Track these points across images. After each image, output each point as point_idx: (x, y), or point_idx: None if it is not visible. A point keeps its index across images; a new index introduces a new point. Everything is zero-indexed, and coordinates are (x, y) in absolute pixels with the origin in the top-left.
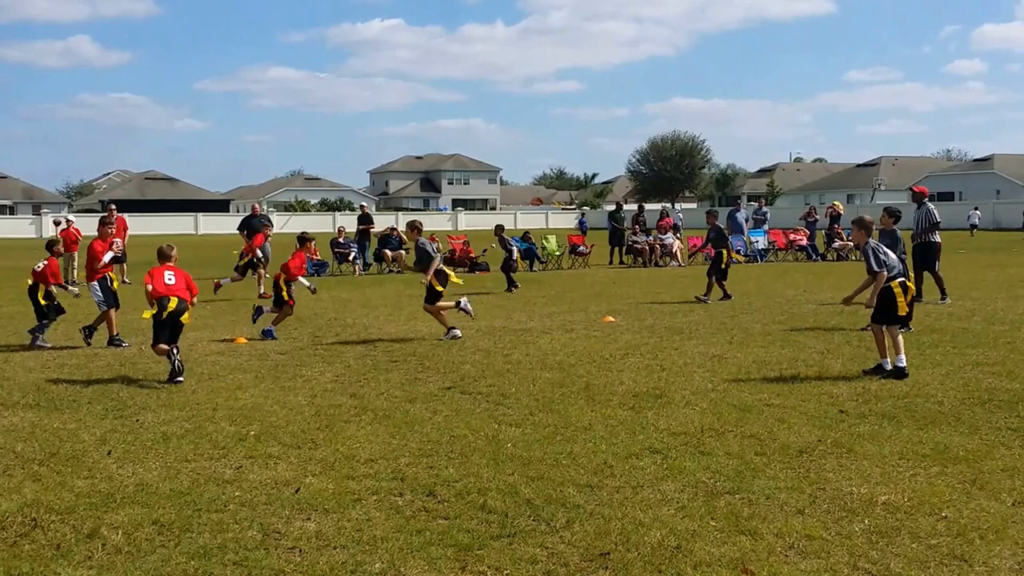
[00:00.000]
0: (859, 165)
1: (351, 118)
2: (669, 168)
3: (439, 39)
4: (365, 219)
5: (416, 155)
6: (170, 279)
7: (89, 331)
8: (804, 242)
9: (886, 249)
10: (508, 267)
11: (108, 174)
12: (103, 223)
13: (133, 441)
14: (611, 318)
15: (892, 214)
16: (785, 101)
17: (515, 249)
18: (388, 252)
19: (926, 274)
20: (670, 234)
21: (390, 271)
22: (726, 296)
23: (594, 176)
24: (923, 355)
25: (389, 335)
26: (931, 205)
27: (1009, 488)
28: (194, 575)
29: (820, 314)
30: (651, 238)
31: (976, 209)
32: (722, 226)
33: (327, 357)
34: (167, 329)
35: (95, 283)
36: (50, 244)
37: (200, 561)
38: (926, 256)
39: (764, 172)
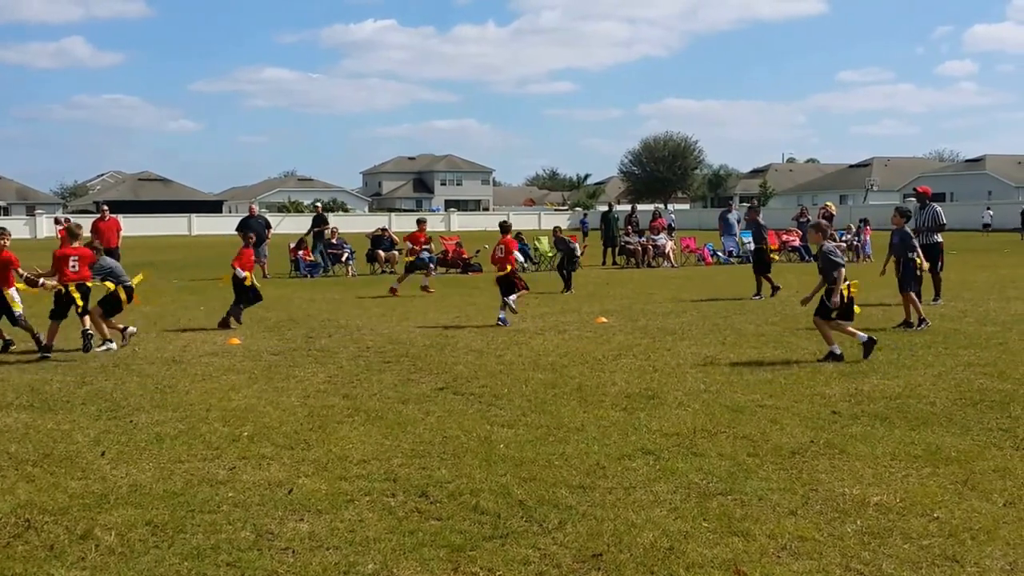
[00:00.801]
0: (852, 166)
1: (344, 119)
2: (662, 169)
3: (432, 40)
4: (319, 220)
5: (409, 156)
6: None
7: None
8: (796, 243)
9: (838, 252)
10: (564, 267)
11: (102, 175)
12: (72, 235)
13: (127, 442)
14: (604, 319)
15: (903, 214)
16: (778, 102)
17: (576, 247)
18: (381, 253)
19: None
20: (663, 235)
21: (383, 272)
22: (775, 289)
23: (587, 177)
24: (915, 356)
25: (382, 336)
26: (937, 206)
27: (1000, 489)
28: None
29: (812, 315)
30: (644, 239)
31: (988, 209)
32: (762, 222)
33: (320, 358)
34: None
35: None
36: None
37: (193, 562)
38: (930, 257)
39: (757, 173)
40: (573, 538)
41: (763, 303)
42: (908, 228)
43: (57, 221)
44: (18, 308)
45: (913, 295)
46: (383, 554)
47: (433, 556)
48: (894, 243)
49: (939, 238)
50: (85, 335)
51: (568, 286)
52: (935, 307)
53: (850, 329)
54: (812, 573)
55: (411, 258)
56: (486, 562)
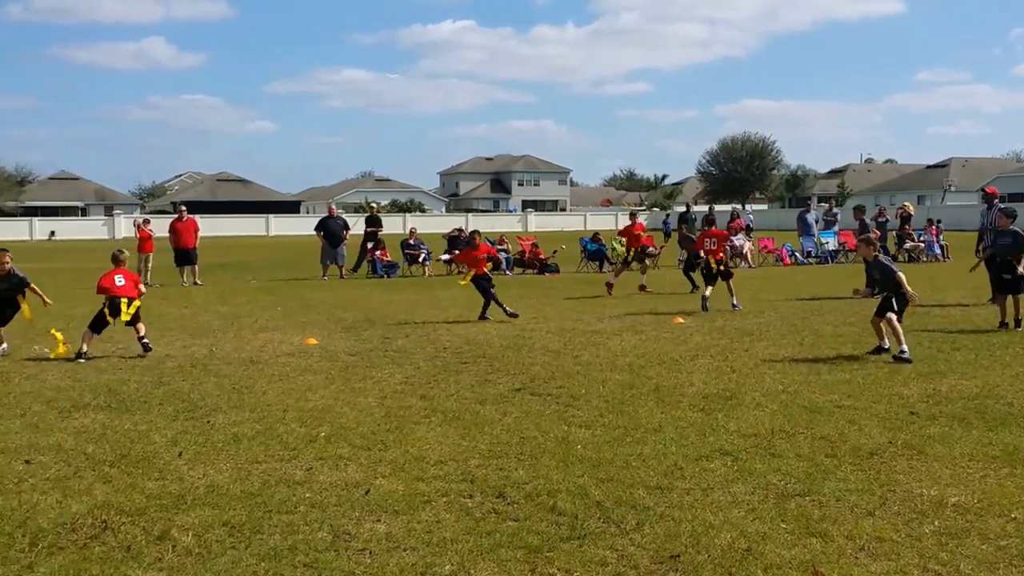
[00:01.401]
0: (929, 166)
1: (422, 119)
2: (739, 169)
3: (510, 40)
4: (373, 221)
5: (486, 156)
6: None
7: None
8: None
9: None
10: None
11: (180, 176)
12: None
13: (204, 442)
14: (681, 319)
15: (1009, 215)
16: (855, 102)
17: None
18: (457, 252)
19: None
20: (740, 235)
21: (459, 272)
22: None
23: (664, 177)
24: (993, 356)
25: (459, 337)
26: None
27: None
28: None
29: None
30: None
31: None
32: (867, 221)
33: (397, 359)
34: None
35: None
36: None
37: (270, 563)
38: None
39: (835, 173)
40: (651, 539)
41: (840, 304)
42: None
43: (136, 224)
44: None
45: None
46: (460, 555)
47: (510, 557)
48: (1004, 244)
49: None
50: (142, 341)
51: (694, 285)
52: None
53: (898, 328)
54: (890, 574)
55: (632, 251)
56: (563, 563)
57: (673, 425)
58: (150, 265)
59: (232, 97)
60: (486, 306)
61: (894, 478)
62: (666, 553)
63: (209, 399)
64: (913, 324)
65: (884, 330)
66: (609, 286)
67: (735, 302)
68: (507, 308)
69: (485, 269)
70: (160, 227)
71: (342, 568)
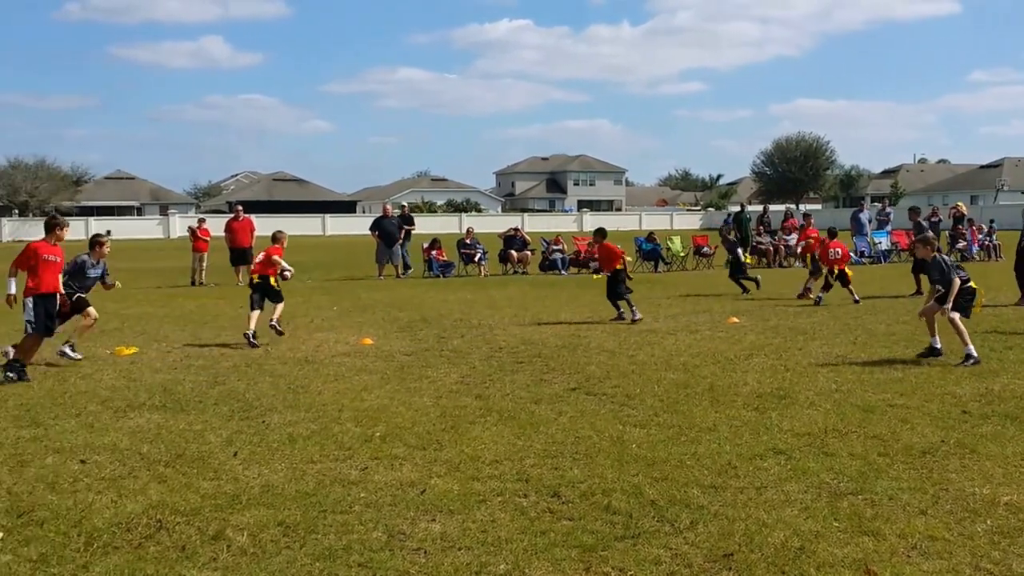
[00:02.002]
0: (982, 166)
1: (477, 119)
2: (793, 169)
3: (565, 40)
4: (406, 220)
5: (542, 156)
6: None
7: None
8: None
9: (949, 261)
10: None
11: (236, 175)
12: (59, 226)
13: (259, 442)
14: (735, 319)
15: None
16: (909, 102)
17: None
18: (513, 253)
19: None
20: (794, 235)
21: (515, 272)
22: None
23: (719, 177)
24: None
25: (514, 336)
26: None
27: None
28: None
29: (944, 315)
30: (776, 239)
31: None
32: (921, 221)
33: (452, 358)
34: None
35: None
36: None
37: (325, 563)
38: None
39: (888, 173)
40: (704, 538)
41: (893, 303)
42: None
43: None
44: None
45: None
46: (515, 554)
47: (565, 556)
48: None
49: None
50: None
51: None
52: None
53: (962, 329)
54: (942, 573)
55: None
56: (618, 562)
57: (727, 424)
58: (204, 264)
59: (288, 97)
60: (617, 305)
61: (946, 477)
62: (720, 552)
63: (264, 399)
64: (965, 323)
65: (936, 327)
66: (807, 292)
67: (856, 298)
68: (634, 311)
69: (618, 266)
70: (216, 227)
71: (397, 568)
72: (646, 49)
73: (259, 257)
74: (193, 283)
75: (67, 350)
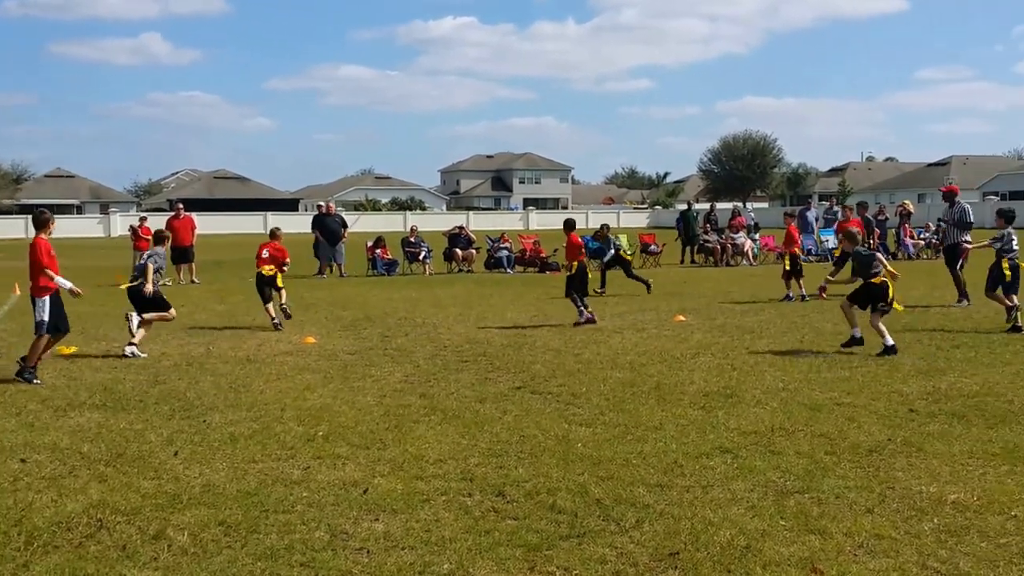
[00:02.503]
0: (930, 164)
1: (422, 116)
2: (741, 167)
3: (510, 37)
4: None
5: (487, 154)
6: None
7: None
8: (876, 241)
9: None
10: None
11: (176, 173)
12: (51, 221)
13: (200, 442)
14: (682, 317)
15: (1003, 215)
16: (857, 100)
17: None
18: (458, 251)
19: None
20: (742, 233)
21: (460, 270)
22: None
23: (666, 175)
24: (993, 354)
25: (459, 335)
26: (966, 204)
27: None
28: None
29: (892, 313)
30: (723, 237)
31: None
32: (869, 217)
33: (396, 357)
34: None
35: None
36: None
37: (267, 562)
38: (952, 256)
39: (835, 171)
40: (650, 537)
41: (840, 301)
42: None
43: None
44: None
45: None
46: (459, 554)
47: (509, 556)
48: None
49: (967, 237)
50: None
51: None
52: (963, 308)
53: (881, 327)
54: (889, 571)
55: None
56: (562, 561)
57: (674, 423)
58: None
59: (230, 94)
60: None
61: (893, 475)
62: (665, 550)
63: (205, 398)
64: (913, 322)
65: (854, 318)
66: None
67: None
68: (586, 309)
69: (582, 259)
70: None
71: (339, 567)
72: (592, 46)
73: (264, 254)
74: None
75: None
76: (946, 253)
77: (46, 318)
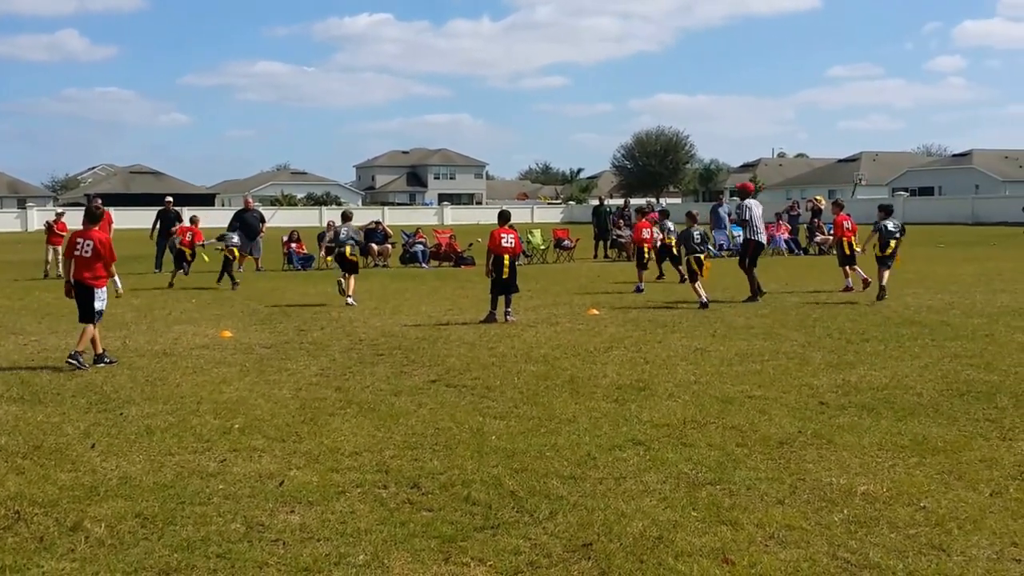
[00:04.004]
0: (840, 160)
1: (337, 113)
2: (654, 163)
3: (425, 34)
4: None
5: (403, 150)
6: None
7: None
8: (786, 236)
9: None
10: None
11: (93, 168)
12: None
13: (117, 435)
14: (595, 311)
15: (883, 209)
16: (768, 97)
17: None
18: (374, 246)
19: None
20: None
21: (376, 265)
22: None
23: (579, 171)
24: (903, 347)
25: (374, 329)
26: (751, 202)
27: (987, 479)
28: (177, 568)
29: (802, 308)
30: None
31: None
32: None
33: (312, 351)
34: None
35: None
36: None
37: (183, 554)
38: (744, 251)
39: (747, 167)
40: (564, 528)
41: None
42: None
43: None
44: None
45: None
46: (374, 545)
47: (424, 547)
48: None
49: (760, 235)
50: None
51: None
52: (831, 304)
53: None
54: (799, 562)
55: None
56: (477, 552)
57: (587, 416)
58: (60, 258)
59: (145, 89)
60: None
61: (804, 467)
62: (579, 542)
63: (122, 391)
64: (823, 316)
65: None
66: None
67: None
68: (505, 310)
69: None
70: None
71: (255, 559)
72: (507, 44)
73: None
74: (46, 275)
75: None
76: (742, 251)
77: (103, 307)
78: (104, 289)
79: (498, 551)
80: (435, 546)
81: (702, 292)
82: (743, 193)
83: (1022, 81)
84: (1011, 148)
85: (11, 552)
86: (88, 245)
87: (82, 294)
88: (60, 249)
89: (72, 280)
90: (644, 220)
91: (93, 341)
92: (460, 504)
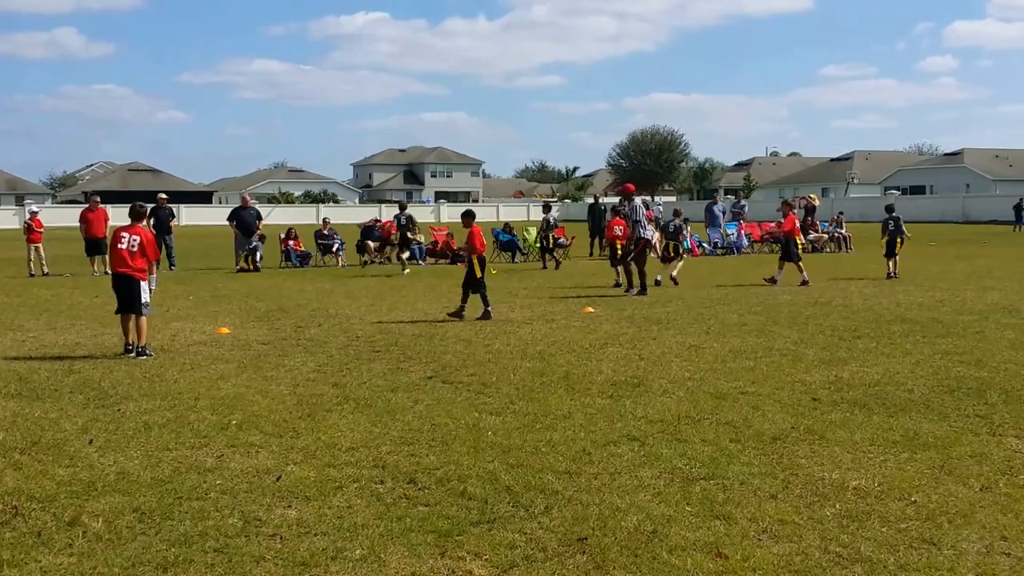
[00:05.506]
0: (833, 159)
1: (334, 111)
2: (649, 162)
3: (422, 33)
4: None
5: (400, 148)
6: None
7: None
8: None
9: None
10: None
11: (91, 165)
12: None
13: (115, 430)
14: (591, 308)
15: (888, 209)
16: (762, 96)
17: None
18: (371, 243)
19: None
20: (650, 227)
21: (372, 262)
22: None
23: (575, 169)
24: (894, 344)
25: (371, 325)
26: (639, 201)
27: (977, 473)
28: (175, 562)
29: (795, 304)
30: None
31: None
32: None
33: (309, 347)
34: None
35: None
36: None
37: (180, 548)
38: (634, 248)
39: (741, 166)
40: (559, 522)
41: (745, 292)
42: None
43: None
44: None
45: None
46: (371, 540)
47: (421, 541)
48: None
49: (643, 232)
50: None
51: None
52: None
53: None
54: (792, 556)
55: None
56: (473, 547)
57: (582, 412)
58: (43, 255)
59: (143, 87)
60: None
61: (796, 462)
62: (574, 536)
63: (120, 387)
64: (815, 313)
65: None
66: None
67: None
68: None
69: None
70: (71, 216)
71: (252, 553)
72: (503, 43)
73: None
74: (31, 275)
75: None
76: (624, 248)
77: (148, 299)
78: (147, 282)
79: (494, 545)
80: (431, 540)
81: (660, 276)
82: (627, 194)
83: (1013, 81)
84: (1002, 147)
85: (9, 547)
86: (135, 241)
87: (128, 286)
88: (40, 247)
89: (114, 272)
90: (617, 218)
91: (128, 331)
92: (456, 499)
